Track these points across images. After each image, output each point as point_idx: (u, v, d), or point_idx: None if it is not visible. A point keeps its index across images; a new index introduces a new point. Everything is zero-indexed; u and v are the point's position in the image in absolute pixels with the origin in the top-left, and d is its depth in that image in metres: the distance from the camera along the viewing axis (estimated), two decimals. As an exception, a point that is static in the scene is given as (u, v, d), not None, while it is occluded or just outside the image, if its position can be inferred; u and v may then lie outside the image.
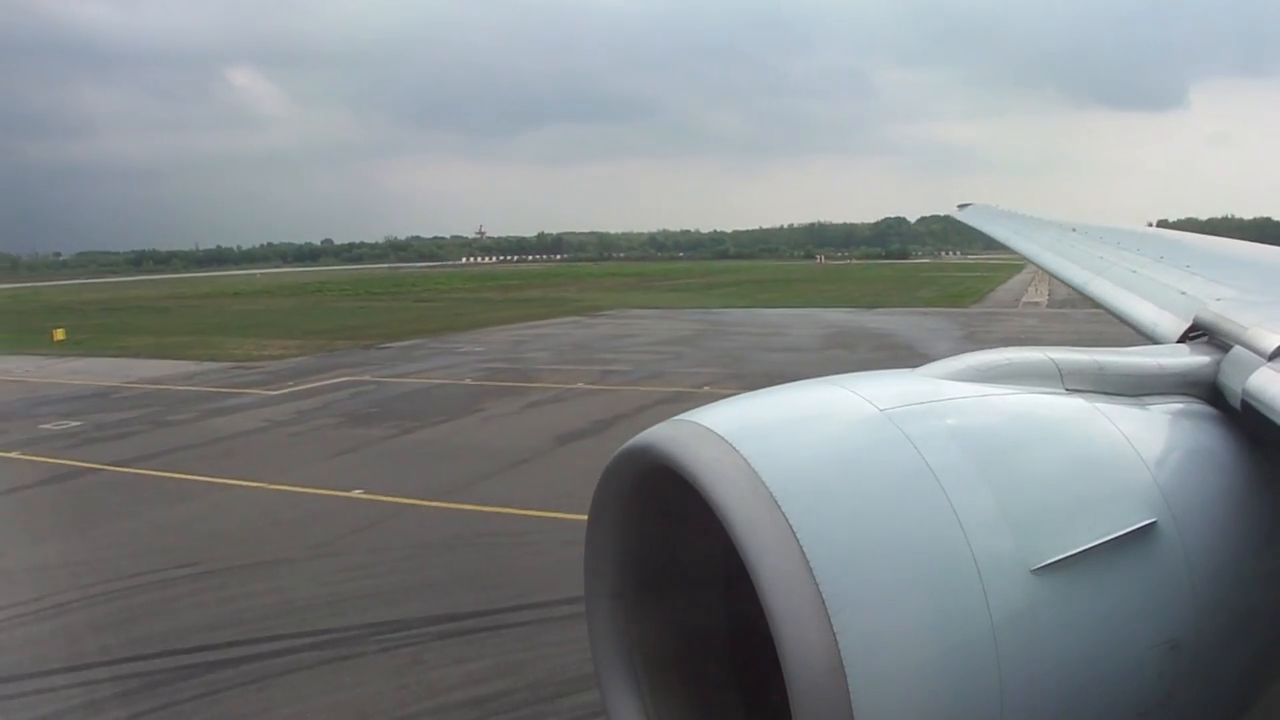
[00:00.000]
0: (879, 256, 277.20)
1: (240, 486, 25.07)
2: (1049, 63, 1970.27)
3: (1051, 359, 3.94)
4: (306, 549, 19.63)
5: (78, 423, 35.76)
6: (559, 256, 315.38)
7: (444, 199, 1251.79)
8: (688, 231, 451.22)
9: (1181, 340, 5.08)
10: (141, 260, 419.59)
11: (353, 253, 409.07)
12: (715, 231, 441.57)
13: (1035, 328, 63.48)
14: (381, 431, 31.67)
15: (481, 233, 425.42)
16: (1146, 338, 5.76)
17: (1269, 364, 4.06)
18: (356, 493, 23.68)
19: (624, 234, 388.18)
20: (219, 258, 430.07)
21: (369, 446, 29.51)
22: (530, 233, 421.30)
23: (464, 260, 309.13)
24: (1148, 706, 3.46)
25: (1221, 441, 3.95)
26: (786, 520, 2.99)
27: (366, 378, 45.22)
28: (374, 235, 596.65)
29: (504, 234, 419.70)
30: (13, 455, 30.19)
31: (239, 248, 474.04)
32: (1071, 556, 3.21)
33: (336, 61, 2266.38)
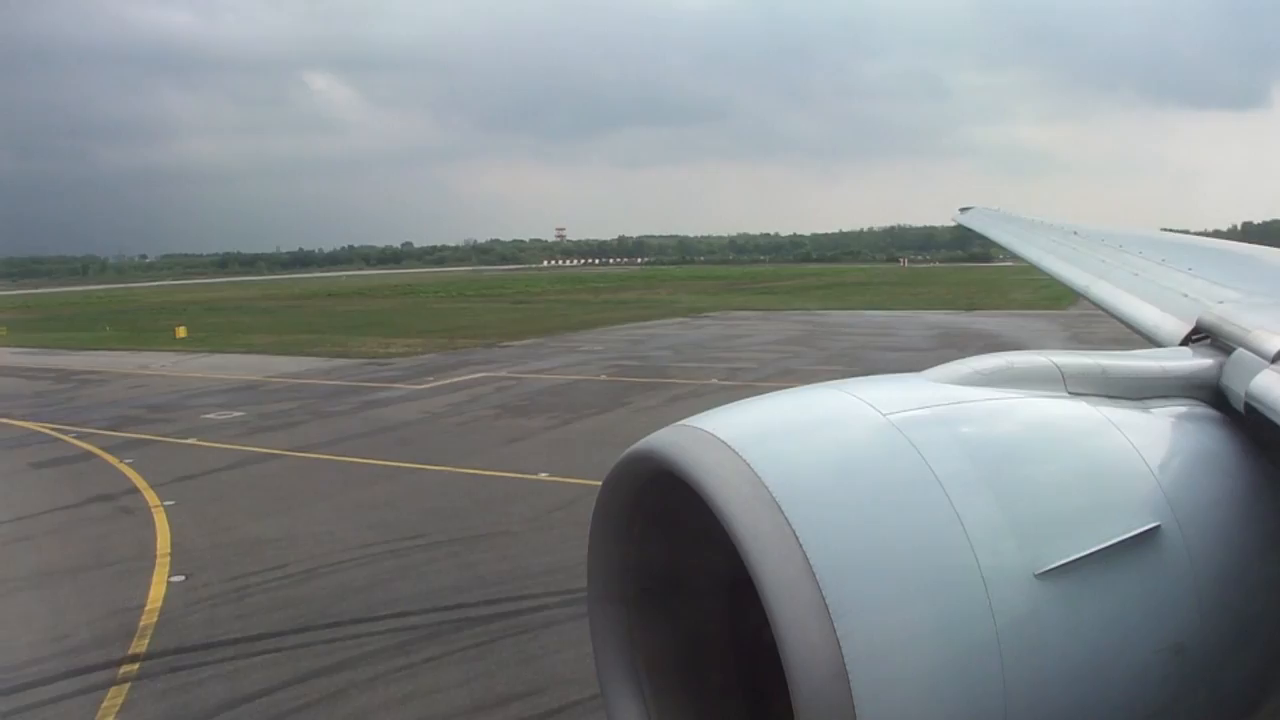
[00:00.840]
0: (960, 260, 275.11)
1: (429, 470, 26.43)
2: (1126, 63, 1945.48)
3: (1054, 362, 3.96)
4: (520, 523, 20.88)
5: (239, 413, 37.53)
6: (640, 260, 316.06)
7: (521, 202, 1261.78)
8: (767, 235, 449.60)
9: (1184, 343, 5.06)
10: (226, 263, 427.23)
11: (435, 255, 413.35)
12: (794, 235, 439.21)
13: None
14: (542, 422, 32.92)
15: (561, 235, 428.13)
16: (1149, 340, 5.75)
17: (1272, 366, 4.08)
18: (543, 475, 24.93)
19: (703, 237, 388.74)
20: (303, 260, 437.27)
21: (536, 435, 30.76)
22: (608, 236, 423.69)
23: (545, 263, 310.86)
24: (1152, 711, 3.49)
25: (1225, 445, 3.96)
26: (790, 525, 3.02)
27: (502, 374, 46.57)
28: (452, 238, 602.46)
29: (582, 237, 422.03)
30: (189, 442, 31.95)
31: (320, 250, 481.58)
32: (1075, 561, 3.23)
33: (413, 66, 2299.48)
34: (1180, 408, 4.09)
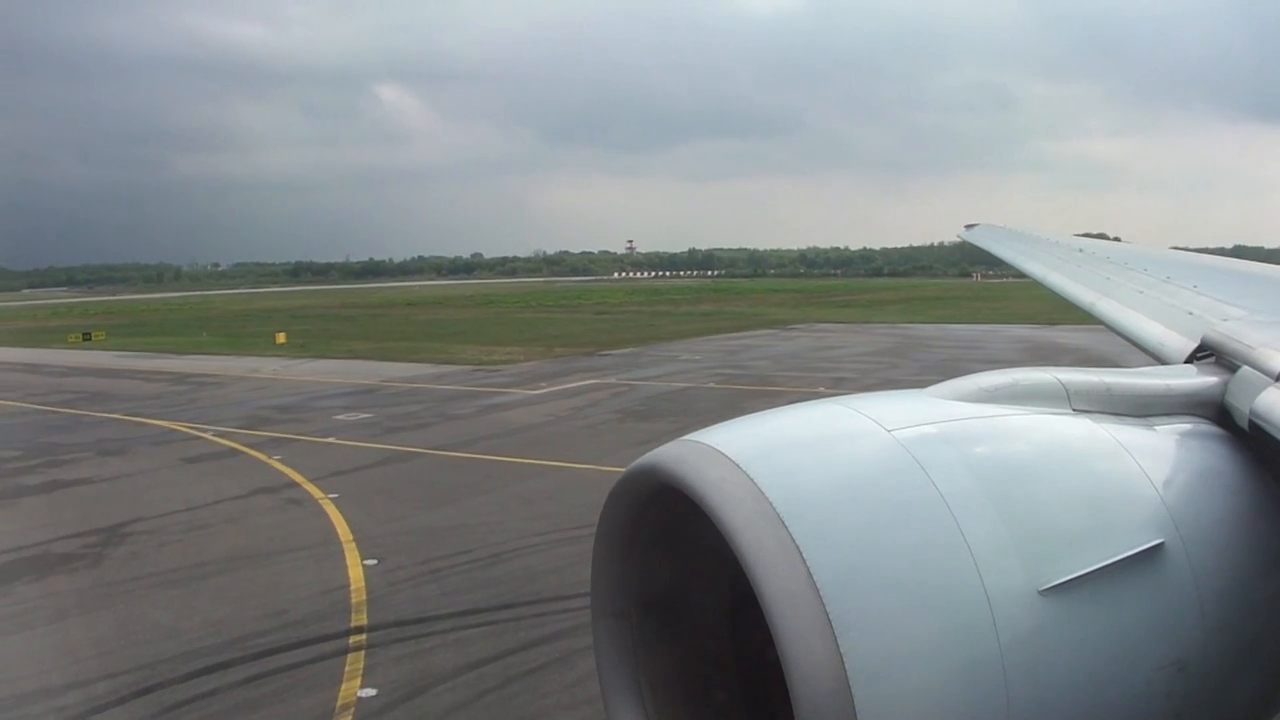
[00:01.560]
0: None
1: (572, 468, 27.50)
2: (1197, 75, 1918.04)
3: (1059, 379, 3.94)
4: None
5: (368, 414, 39.01)
6: (711, 273, 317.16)
7: (587, 214, 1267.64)
8: (837, 248, 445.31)
9: (1189, 360, 5.05)
10: (299, 271, 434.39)
11: (506, 266, 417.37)
12: (865, 248, 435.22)
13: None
14: (665, 426, 33.83)
15: (631, 248, 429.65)
16: (1154, 358, 5.74)
17: (1277, 384, 4.08)
18: (686, 474, 25.71)
19: (773, 250, 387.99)
20: (374, 270, 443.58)
21: (663, 438, 30.71)
22: (676, 248, 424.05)
23: (615, 275, 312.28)
24: None
25: (1229, 462, 3.96)
26: (793, 541, 3.02)
27: (612, 380, 47.90)
28: (520, 249, 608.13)
29: (651, 249, 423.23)
30: (329, 440, 33.40)
31: (391, 260, 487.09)
32: (1079, 578, 3.24)
33: (480, 78, 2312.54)
34: (1184, 425, 4.11)
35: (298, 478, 27.52)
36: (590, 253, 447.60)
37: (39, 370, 65.70)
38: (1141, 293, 7.27)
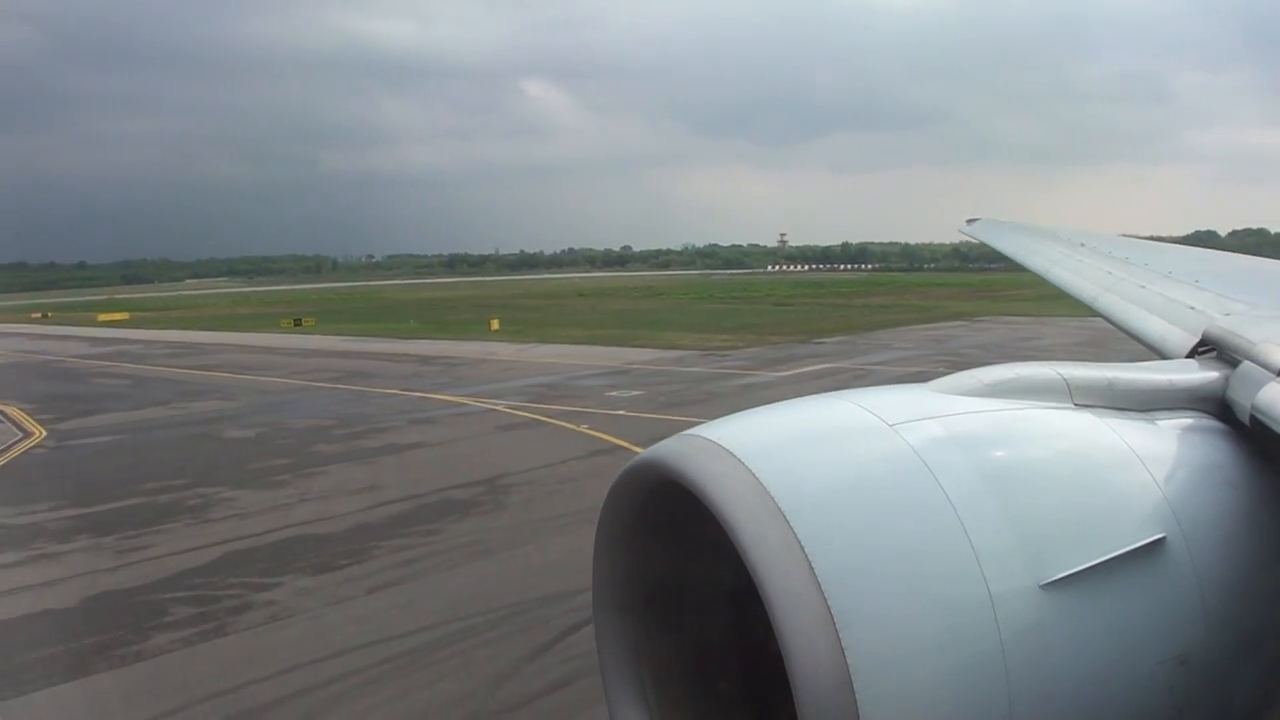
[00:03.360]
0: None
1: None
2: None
3: (1060, 374, 3.93)
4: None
5: (637, 392, 42.37)
6: (866, 266, 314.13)
7: (735, 206, 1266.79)
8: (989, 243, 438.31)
9: (1191, 355, 5.04)
10: (454, 263, 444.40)
11: (660, 259, 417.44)
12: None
13: None
14: (929, 404, 36.15)
15: (783, 241, 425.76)
16: (1155, 353, 5.71)
17: (1278, 379, 4.07)
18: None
19: (925, 244, 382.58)
20: (528, 262, 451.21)
21: None
22: (826, 241, 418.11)
23: (769, 268, 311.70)
24: None
25: (1230, 457, 3.96)
26: (795, 535, 3.02)
27: (845, 364, 50.43)
28: (669, 241, 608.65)
29: (801, 243, 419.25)
30: (620, 413, 36.72)
31: (542, 252, 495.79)
32: (1081, 572, 3.25)
33: (625, 73, 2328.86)
34: (1186, 420, 4.09)
35: (620, 442, 30.47)
36: (740, 246, 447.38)
37: (278, 352, 70.54)
38: (1143, 287, 7.17)
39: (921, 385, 3.84)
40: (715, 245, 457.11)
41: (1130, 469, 3.61)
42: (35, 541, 22.97)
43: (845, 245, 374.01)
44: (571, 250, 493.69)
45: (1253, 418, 3.96)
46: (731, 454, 3.25)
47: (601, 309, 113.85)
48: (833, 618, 2.92)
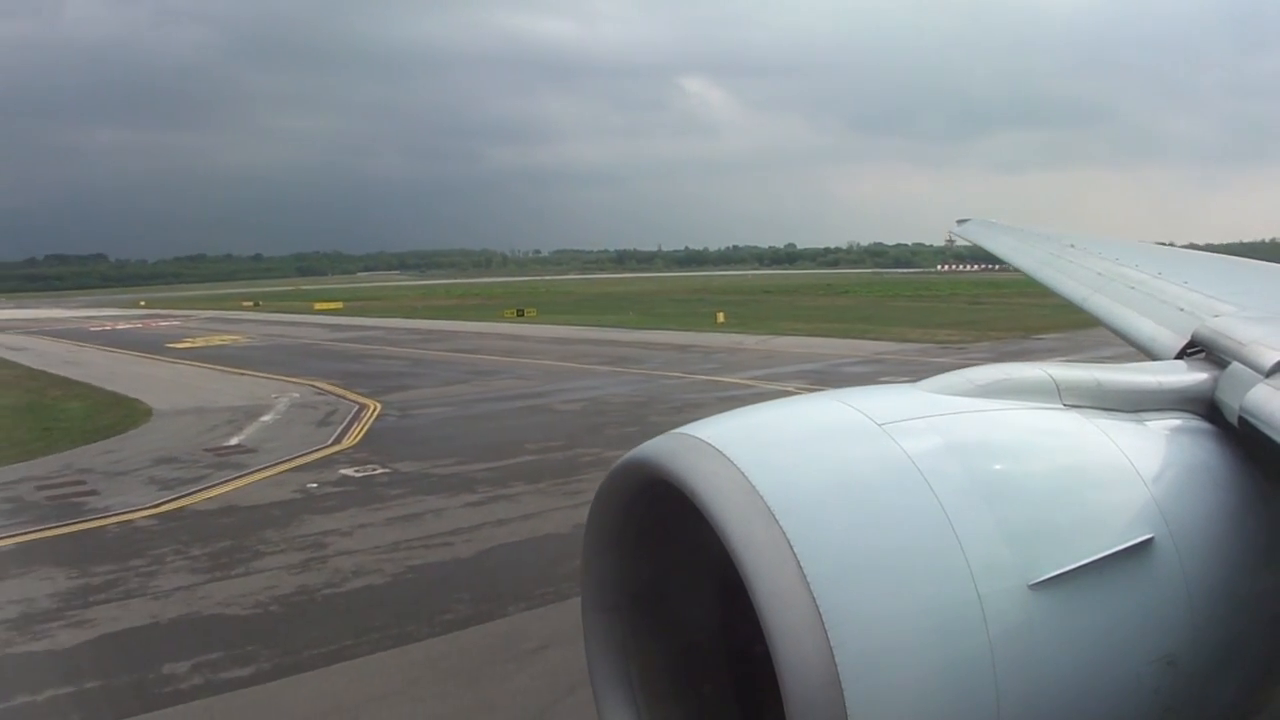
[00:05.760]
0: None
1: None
2: None
3: (1050, 375, 3.93)
4: None
5: (905, 379, 43.97)
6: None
7: (896, 204, 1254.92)
8: (1160, 243, 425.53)
9: (1180, 356, 5.01)
10: (623, 259, 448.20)
11: (829, 257, 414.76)
12: (1190, 244, 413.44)
13: None
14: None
15: (951, 240, 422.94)
16: (1145, 353, 5.73)
17: (1266, 380, 4.05)
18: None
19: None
20: (695, 259, 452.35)
21: None
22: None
23: (939, 267, 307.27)
24: None
25: (1219, 458, 3.94)
26: (784, 534, 3.02)
27: (1081, 357, 50.78)
28: (833, 239, 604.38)
29: (964, 242, 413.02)
30: (909, 396, 39.68)
31: (707, 249, 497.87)
32: (1069, 572, 3.24)
33: (783, 70, 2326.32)
34: (1174, 421, 4.08)
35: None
36: (905, 244, 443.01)
37: (525, 340, 73.70)
38: (1133, 289, 7.13)
39: (912, 385, 3.92)
40: (880, 244, 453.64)
41: (1119, 470, 3.63)
42: (479, 487, 25.87)
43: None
44: (736, 247, 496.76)
45: (1241, 419, 4.00)
46: (721, 453, 3.28)
47: (800, 305, 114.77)
48: (821, 617, 2.94)
